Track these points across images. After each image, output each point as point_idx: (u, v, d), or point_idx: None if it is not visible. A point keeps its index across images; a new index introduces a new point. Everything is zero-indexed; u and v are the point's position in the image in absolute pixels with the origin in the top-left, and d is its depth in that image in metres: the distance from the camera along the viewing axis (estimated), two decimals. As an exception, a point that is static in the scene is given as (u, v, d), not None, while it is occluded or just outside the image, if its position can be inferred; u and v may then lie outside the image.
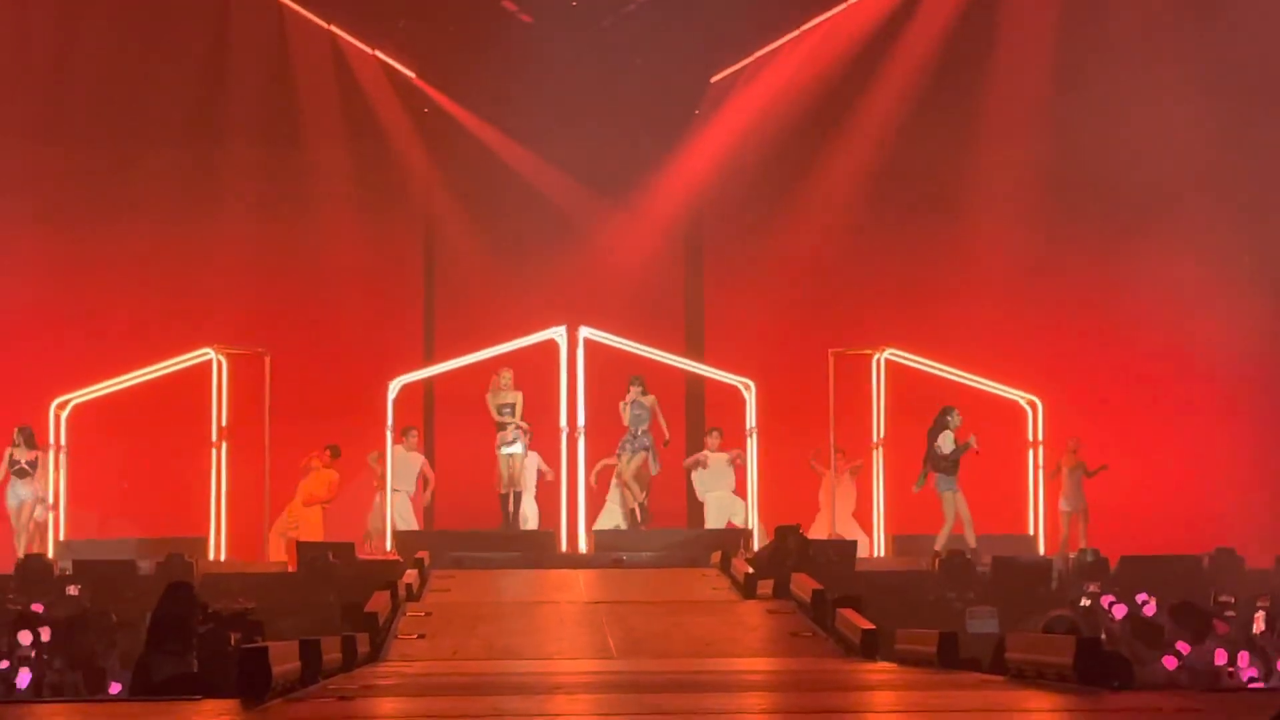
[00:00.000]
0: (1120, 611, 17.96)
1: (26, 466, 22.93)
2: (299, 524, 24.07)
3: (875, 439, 23.85)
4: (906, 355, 24.11)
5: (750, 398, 23.63)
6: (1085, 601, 18.68)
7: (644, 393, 23.23)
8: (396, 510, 23.52)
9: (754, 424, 23.37)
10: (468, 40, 27.39)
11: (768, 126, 27.89)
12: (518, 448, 23.16)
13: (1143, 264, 26.79)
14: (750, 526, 23.00)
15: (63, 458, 23.13)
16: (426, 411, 27.04)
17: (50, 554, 22.10)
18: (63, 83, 26.77)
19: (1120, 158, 26.87)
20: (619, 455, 23.31)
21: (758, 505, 23.25)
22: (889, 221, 27.85)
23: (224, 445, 23.31)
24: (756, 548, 21.53)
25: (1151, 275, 26.78)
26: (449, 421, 26.66)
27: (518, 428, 23.16)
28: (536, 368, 23.26)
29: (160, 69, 26.91)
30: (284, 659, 9.82)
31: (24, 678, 14.68)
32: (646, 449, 23.15)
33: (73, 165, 26.86)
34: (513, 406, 23.19)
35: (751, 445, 23.38)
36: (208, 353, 23.44)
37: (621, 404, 23.19)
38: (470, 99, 27.87)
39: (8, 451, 22.94)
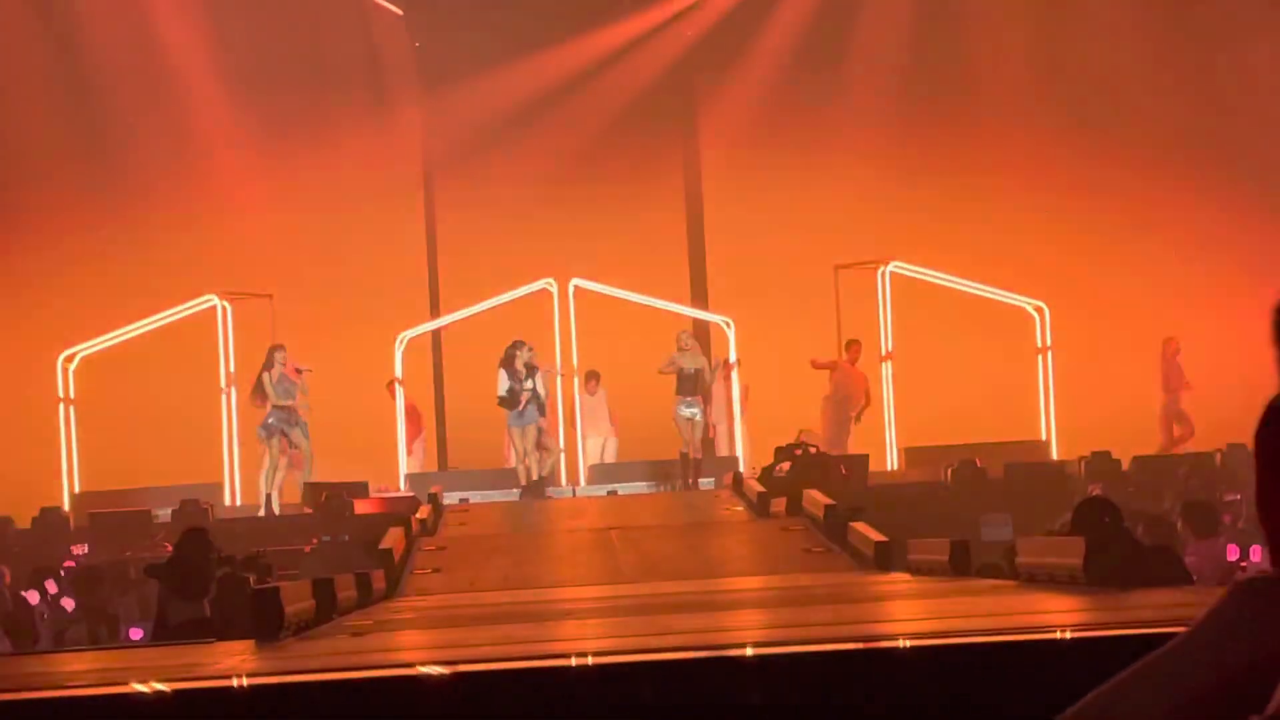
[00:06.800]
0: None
1: None
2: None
3: (883, 352, 23.81)
4: (912, 267, 24.05)
5: (730, 334, 23.83)
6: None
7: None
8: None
9: (735, 358, 23.69)
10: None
11: (765, 42, 27.69)
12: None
13: (1155, 168, 26.57)
14: (737, 454, 23.17)
15: (72, 411, 23.17)
16: (435, 361, 27.04)
17: (66, 506, 22.16)
18: (61, 34, 26.57)
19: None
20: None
21: (744, 429, 23.53)
22: (890, 132, 27.52)
23: (233, 391, 23.34)
24: (743, 470, 21.58)
25: (1161, 179, 26.55)
26: (457, 370, 26.75)
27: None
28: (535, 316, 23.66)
29: (154, 21, 26.68)
30: (297, 598, 9.82)
31: (41, 628, 14.75)
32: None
33: (77, 117, 26.70)
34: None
35: (735, 378, 23.65)
36: (211, 299, 23.43)
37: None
38: (459, 37, 27.56)
39: None
